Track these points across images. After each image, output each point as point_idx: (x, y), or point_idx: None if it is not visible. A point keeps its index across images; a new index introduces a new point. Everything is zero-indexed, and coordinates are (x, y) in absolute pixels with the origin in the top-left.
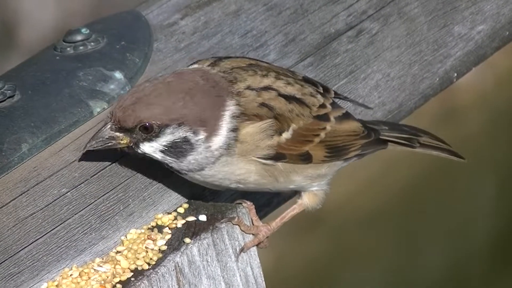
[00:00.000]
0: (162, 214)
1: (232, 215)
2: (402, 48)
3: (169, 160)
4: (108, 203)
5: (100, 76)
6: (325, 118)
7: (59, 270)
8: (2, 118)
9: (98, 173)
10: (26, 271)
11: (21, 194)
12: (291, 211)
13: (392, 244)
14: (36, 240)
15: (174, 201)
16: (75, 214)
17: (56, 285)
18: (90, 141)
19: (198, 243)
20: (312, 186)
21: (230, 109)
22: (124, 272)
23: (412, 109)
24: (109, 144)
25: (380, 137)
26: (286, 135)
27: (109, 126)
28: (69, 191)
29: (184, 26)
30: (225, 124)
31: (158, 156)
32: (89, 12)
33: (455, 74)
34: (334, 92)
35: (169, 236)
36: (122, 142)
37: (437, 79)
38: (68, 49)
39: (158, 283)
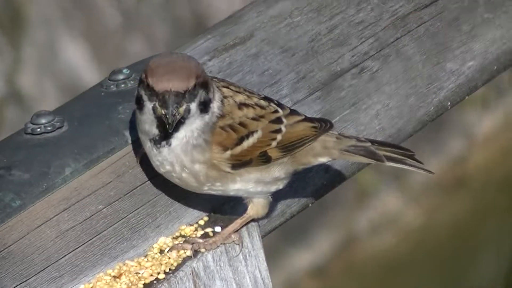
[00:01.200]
0: (185, 225)
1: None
2: (400, 83)
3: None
4: (139, 217)
5: None
6: (278, 121)
7: (94, 274)
8: (51, 146)
9: (130, 192)
10: (66, 275)
11: (63, 210)
12: (239, 220)
13: None
14: (75, 249)
15: (196, 214)
16: (109, 227)
17: (91, 287)
18: (166, 114)
19: (212, 251)
20: (260, 193)
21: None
22: (149, 276)
23: (411, 133)
24: (182, 111)
25: (350, 146)
26: (246, 142)
27: (169, 98)
28: (105, 208)
29: (211, 66)
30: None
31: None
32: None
33: (449, 103)
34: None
35: None
36: (180, 110)
37: (432, 107)
38: (112, 86)
39: (177, 285)
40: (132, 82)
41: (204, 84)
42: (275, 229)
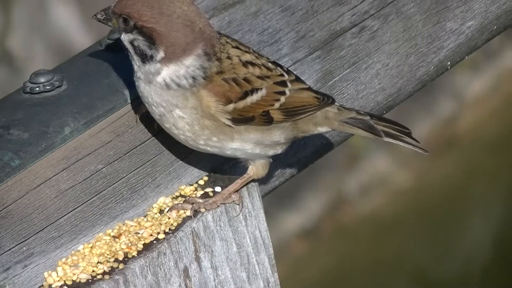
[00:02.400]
0: (185, 185)
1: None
2: (400, 42)
3: (133, 56)
4: (138, 176)
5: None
6: (283, 84)
7: (94, 234)
8: (50, 105)
9: (130, 152)
10: (65, 235)
11: (63, 170)
12: (239, 180)
13: None
14: (75, 209)
15: (196, 174)
16: (109, 187)
17: (91, 247)
18: (98, 13)
19: (212, 211)
20: (257, 156)
21: (201, 53)
22: (148, 236)
23: (411, 93)
24: (105, 22)
25: (349, 118)
26: (250, 98)
27: (111, 8)
28: (104, 167)
29: None
30: (190, 65)
31: (130, 49)
32: None
33: (449, 63)
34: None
35: None
36: (114, 25)
37: (432, 67)
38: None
39: (177, 245)
40: None
41: (143, 32)
42: (275, 189)
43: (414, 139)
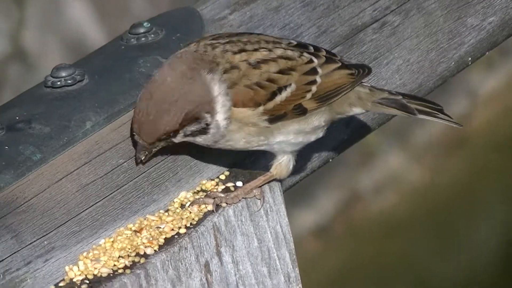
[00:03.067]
0: (206, 180)
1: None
2: (421, 38)
3: (198, 140)
4: (159, 171)
5: (157, 63)
6: (313, 72)
7: (115, 228)
8: (71, 99)
9: None
10: (86, 230)
11: (84, 164)
12: (262, 177)
13: None
14: (96, 203)
15: (217, 169)
16: (130, 181)
17: (112, 241)
18: (138, 159)
19: (233, 205)
20: (301, 144)
21: (217, 90)
22: (170, 230)
23: (432, 89)
24: (153, 152)
25: (382, 98)
26: (279, 97)
27: (143, 144)
28: (125, 162)
29: (232, 20)
30: (219, 105)
31: (190, 139)
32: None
33: (470, 59)
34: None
35: None
36: (161, 145)
37: (453, 63)
38: (132, 40)
39: (198, 240)
40: (152, 35)
41: (186, 124)
42: (296, 184)
43: (446, 114)
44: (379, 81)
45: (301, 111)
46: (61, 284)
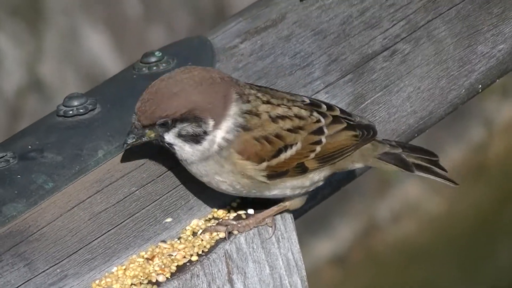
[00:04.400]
0: (217, 208)
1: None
2: (431, 66)
3: (185, 149)
4: (171, 199)
5: None
6: (319, 131)
7: (127, 256)
8: (83, 128)
9: (163, 174)
10: (99, 257)
11: (96, 193)
12: (275, 208)
13: None
14: (108, 231)
15: (229, 197)
16: (142, 209)
17: (124, 269)
18: (126, 140)
19: (245, 233)
20: (299, 195)
21: (234, 114)
22: (182, 258)
23: (442, 116)
24: (140, 140)
25: (383, 153)
26: (284, 155)
27: (137, 125)
28: (137, 190)
29: (243, 49)
30: (226, 124)
31: (178, 143)
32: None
33: (480, 86)
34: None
35: None
36: (151, 136)
37: (463, 90)
38: (144, 69)
39: (210, 267)
40: (164, 64)
41: (186, 119)
42: (307, 212)
43: (442, 168)
44: (389, 109)
45: (302, 170)
46: None
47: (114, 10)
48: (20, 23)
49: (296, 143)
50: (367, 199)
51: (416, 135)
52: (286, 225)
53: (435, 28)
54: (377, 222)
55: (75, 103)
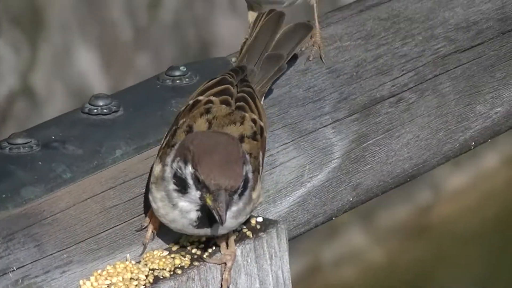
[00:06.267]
0: None
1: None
2: (432, 117)
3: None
4: None
5: None
6: None
7: (130, 252)
8: (106, 127)
9: None
10: (104, 249)
11: (110, 188)
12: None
13: None
14: (116, 226)
15: None
16: None
17: (126, 263)
18: (223, 216)
19: (242, 246)
20: None
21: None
22: (182, 261)
23: (435, 166)
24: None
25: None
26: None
27: (224, 194)
28: None
29: None
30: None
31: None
32: None
33: (473, 143)
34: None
35: None
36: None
37: (457, 145)
38: (168, 81)
39: (205, 273)
40: (187, 79)
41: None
42: (300, 235)
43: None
44: (388, 152)
45: None
46: None
47: (107, 33)
48: (19, 32)
49: None
50: (314, 240)
51: (408, 179)
52: (281, 245)
53: (440, 82)
54: (320, 264)
55: (100, 103)
